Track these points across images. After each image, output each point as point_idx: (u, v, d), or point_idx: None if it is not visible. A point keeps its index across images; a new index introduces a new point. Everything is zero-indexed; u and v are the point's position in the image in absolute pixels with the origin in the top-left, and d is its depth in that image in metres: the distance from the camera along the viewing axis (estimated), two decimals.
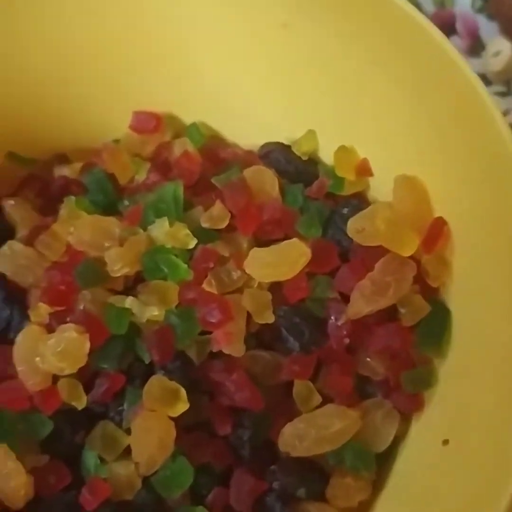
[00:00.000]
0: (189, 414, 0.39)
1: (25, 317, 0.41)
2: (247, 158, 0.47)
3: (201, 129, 0.49)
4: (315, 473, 0.40)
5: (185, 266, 0.40)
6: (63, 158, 0.50)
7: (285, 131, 0.48)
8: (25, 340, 0.39)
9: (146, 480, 0.38)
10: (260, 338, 0.41)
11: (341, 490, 0.39)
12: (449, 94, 0.38)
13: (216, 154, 0.48)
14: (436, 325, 0.39)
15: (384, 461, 0.40)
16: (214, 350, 0.39)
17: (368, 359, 0.40)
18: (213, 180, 0.43)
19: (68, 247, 0.42)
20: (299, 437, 0.39)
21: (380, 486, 0.40)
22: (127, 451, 0.39)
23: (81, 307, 0.40)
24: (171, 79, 0.49)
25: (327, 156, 0.46)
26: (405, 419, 0.41)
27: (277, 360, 0.40)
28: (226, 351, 0.39)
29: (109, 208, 0.45)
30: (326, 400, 0.40)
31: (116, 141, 0.50)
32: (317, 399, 0.40)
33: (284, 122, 0.48)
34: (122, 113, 0.50)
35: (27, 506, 0.38)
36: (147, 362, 0.39)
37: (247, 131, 0.50)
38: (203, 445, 0.40)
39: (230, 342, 0.39)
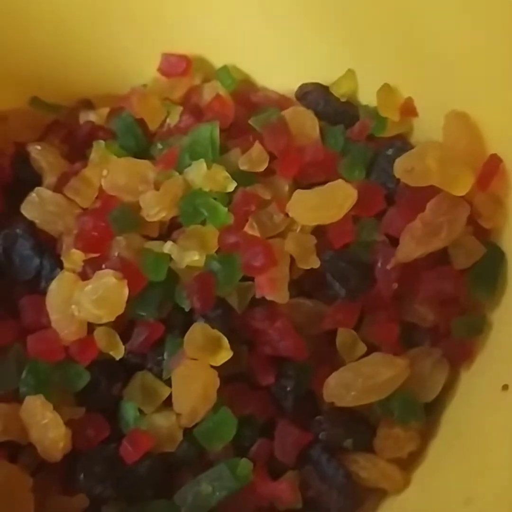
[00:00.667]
0: (229, 364, 0.37)
1: (55, 266, 0.40)
2: (282, 101, 0.45)
3: (232, 72, 0.47)
4: (361, 424, 0.39)
5: (225, 209, 0.38)
6: (88, 104, 0.48)
7: (320, 73, 0.46)
8: (59, 288, 0.37)
9: (187, 432, 0.37)
10: (301, 285, 0.39)
11: (389, 441, 0.38)
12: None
13: (247, 98, 0.47)
14: (490, 268, 0.38)
15: (432, 410, 0.39)
16: (257, 297, 0.37)
17: (417, 305, 0.39)
18: (250, 121, 0.41)
19: (99, 193, 0.40)
20: (345, 387, 0.37)
21: (429, 436, 0.38)
22: (166, 403, 0.37)
23: (116, 253, 0.38)
24: (200, 20, 0.47)
25: (365, 97, 0.45)
26: (454, 367, 0.39)
27: (319, 308, 0.39)
28: (269, 297, 0.37)
29: (139, 154, 0.43)
30: (370, 349, 0.39)
31: (143, 86, 0.48)
32: (362, 347, 0.38)
33: (320, 63, 0.46)
34: (148, 57, 0.48)
35: (65, 460, 0.36)
36: (187, 309, 0.38)
37: (278, 75, 0.48)
38: (245, 396, 0.38)
39: (274, 288, 0.37)
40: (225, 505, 0.36)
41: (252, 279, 0.38)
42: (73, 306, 0.37)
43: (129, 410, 0.37)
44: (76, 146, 0.45)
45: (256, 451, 0.38)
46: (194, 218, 0.39)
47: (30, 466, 0.38)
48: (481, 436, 0.36)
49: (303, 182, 0.41)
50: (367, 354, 0.38)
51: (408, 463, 0.38)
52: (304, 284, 0.40)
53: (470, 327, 0.39)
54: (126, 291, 0.36)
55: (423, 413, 0.38)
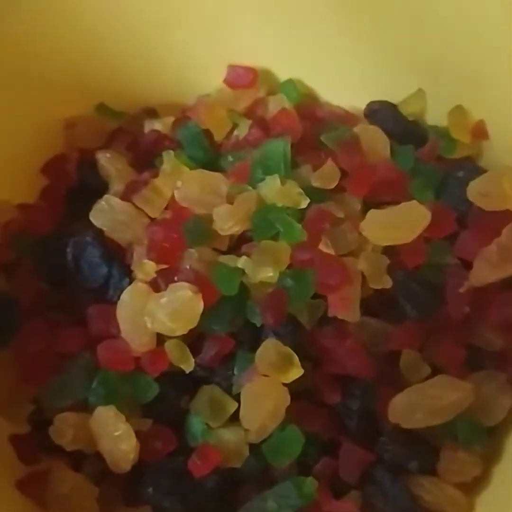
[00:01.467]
0: (296, 382, 0.37)
1: (124, 275, 0.40)
2: (348, 118, 0.45)
3: (297, 85, 0.47)
4: (425, 446, 0.38)
5: (300, 226, 0.38)
6: (152, 112, 0.48)
7: (385, 91, 0.46)
8: (131, 298, 0.37)
9: (252, 447, 0.37)
10: (368, 304, 0.39)
11: (454, 464, 0.38)
12: None
13: (312, 112, 0.46)
14: None
15: (496, 435, 0.39)
16: (330, 315, 0.37)
17: (485, 329, 0.38)
18: (322, 138, 0.41)
19: (169, 203, 0.40)
20: (411, 408, 0.37)
21: (493, 461, 0.38)
22: (232, 418, 0.37)
23: (188, 266, 0.38)
24: (266, 33, 0.47)
25: (432, 117, 0.45)
26: None
27: (386, 328, 0.39)
28: (341, 316, 0.37)
29: (206, 165, 0.43)
30: (434, 371, 0.38)
31: (208, 96, 0.48)
32: (427, 369, 0.38)
33: (385, 81, 0.46)
34: (213, 68, 0.48)
35: (131, 471, 0.36)
36: (258, 325, 0.38)
37: (342, 91, 0.48)
38: (311, 414, 0.38)
39: (347, 307, 0.37)
40: None
41: (321, 296, 0.38)
42: (146, 318, 0.37)
43: (196, 424, 0.37)
44: (141, 155, 0.45)
45: (320, 469, 0.37)
46: (266, 232, 0.38)
47: (94, 475, 0.38)
48: None
49: (372, 201, 0.41)
50: (431, 376, 0.38)
51: (472, 488, 0.38)
52: (371, 303, 0.39)
53: None
54: (201, 305, 0.36)
55: (487, 437, 0.38)
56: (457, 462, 0.38)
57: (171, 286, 0.37)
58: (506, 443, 0.39)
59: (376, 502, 0.37)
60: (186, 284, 0.36)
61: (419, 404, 0.37)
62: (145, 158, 0.44)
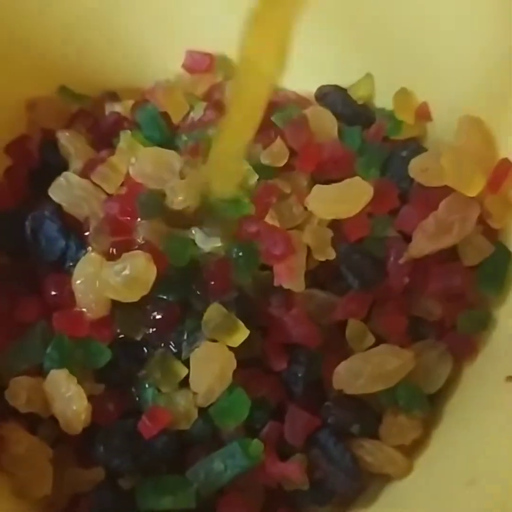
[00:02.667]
0: (244, 349, 0.38)
1: (81, 248, 0.41)
2: (301, 101, 0.47)
3: None
4: (368, 411, 0.40)
5: (247, 200, 0.40)
6: (113, 96, 0.50)
7: (337, 76, 0.48)
8: (85, 267, 0.39)
9: (202, 411, 0.38)
10: (315, 277, 0.41)
11: (394, 428, 0.39)
12: None
13: None
14: (497, 266, 0.40)
15: (436, 402, 0.41)
16: (275, 285, 0.39)
17: (425, 299, 0.40)
18: (273, 118, 0.43)
19: (125, 180, 0.42)
20: (354, 375, 0.39)
21: (433, 426, 0.40)
22: (183, 382, 0.39)
23: (140, 238, 0.40)
24: (223, 19, 0.49)
25: (380, 100, 0.47)
26: (458, 361, 0.41)
27: (331, 299, 0.40)
28: (286, 285, 0.39)
29: (162, 145, 0.44)
30: (378, 340, 0.40)
31: (167, 80, 0.49)
32: (371, 338, 0.40)
33: (337, 67, 0.48)
34: (172, 53, 0.50)
35: (83, 434, 0.38)
36: (203, 293, 0.39)
37: (297, 77, 0.49)
38: (258, 380, 0.39)
39: (292, 277, 0.39)
40: (235, 483, 0.38)
41: (269, 268, 0.40)
42: (98, 285, 0.38)
43: (147, 388, 0.39)
44: (101, 135, 0.46)
45: (267, 432, 0.39)
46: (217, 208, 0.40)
47: (49, 439, 0.39)
48: (483, 426, 0.37)
49: (320, 178, 0.42)
50: (375, 345, 0.40)
51: (412, 450, 0.39)
52: (318, 276, 0.41)
53: (475, 322, 0.40)
54: (154, 272, 0.38)
55: (427, 403, 0.40)
56: (397, 426, 0.40)
57: (125, 254, 0.38)
58: (445, 408, 0.41)
59: (320, 464, 0.39)
60: (140, 252, 0.38)
61: (362, 370, 0.39)
62: (104, 138, 0.46)
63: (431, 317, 0.41)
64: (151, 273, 0.37)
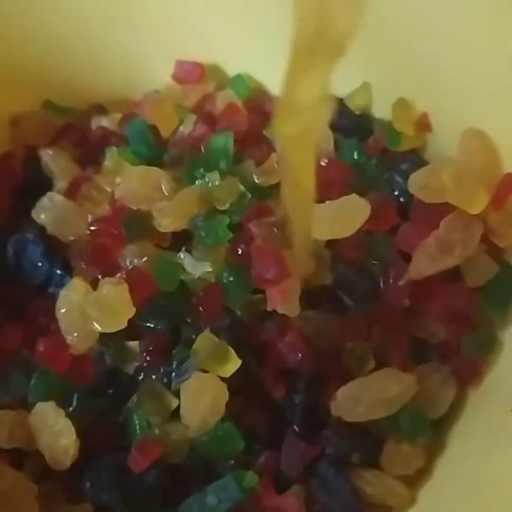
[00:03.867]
0: (237, 376, 0.37)
1: (66, 272, 0.40)
2: None
3: (246, 80, 0.47)
4: (368, 439, 0.38)
5: (226, 229, 0.38)
6: (100, 109, 0.48)
7: (333, 85, 0.46)
8: (69, 295, 0.37)
9: (194, 443, 0.37)
10: (310, 298, 0.39)
11: (396, 457, 0.38)
12: None
13: (261, 107, 0.46)
14: (503, 287, 0.38)
15: (440, 427, 0.39)
16: (269, 309, 0.37)
17: (428, 321, 0.38)
18: (265, 132, 0.41)
19: (111, 200, 0.40)
20: (354, 401, 0.37)
21: (437, 453, 0.38)
22: (174, 414, 0.37)
23: (128, 262, 0.38)
24: (214, 28, 0.47)
25: (379, 110, 0.45)
26: (463, 385, 0.39)
27: (329, 322, 0.39)
28: (280, 310, 0.37)
29: (151, 160, 0.43)
30: (379, 363, 0.38)
31: (156, 91, 0.48)
32: (371, 362, 0.38)
33: (335, 75, 0.46)
34: (162, 63, 0.48)
35: (72, 468, 0.36)
36: (193, 320, 0.38)
37: None
38: (253, 408, 0.38)
39: (286, 301, 0.37)
40: None
41: (262, 292, 0.38)
42: (81, 314, 0.37)
43: (137, 419, 0.37)
44: (88, 151, 0.45)
45: (262, 463, 0.37)
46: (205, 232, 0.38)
47: (35, 474, 0.37)
48: (489, 455, 0.36)
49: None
50: (375, 369, 0.38)
51: (415, 480, 0.38)
52: (313, 297, 0.39)
53: (481, 345, 0.39)
54: (127, 298, 0.36)
55: (431, 430, 0.38)
56: (400, 455, 0.38)
57: (101, 282, 0.37)
58: (449, 436, 0.39)
59: (319, 496, 0.37)
60: (113, 279, 0.36)
61: (362, 397, 0.37)
62: (91, 154, 0.44)
63: (434, 339, 0.39)
64: (126, 301, 0.36)
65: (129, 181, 0.39)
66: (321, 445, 0.38)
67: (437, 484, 0.37)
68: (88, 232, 0.39)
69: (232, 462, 0.37)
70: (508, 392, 0.36)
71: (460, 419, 0.39)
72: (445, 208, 0.38)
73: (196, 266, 0.38)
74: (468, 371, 0.39)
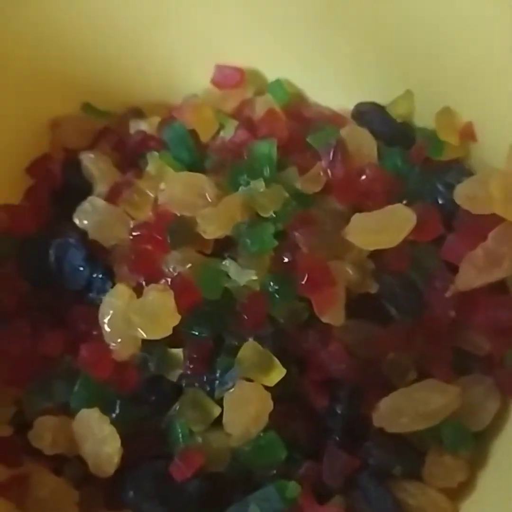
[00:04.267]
0: (280, 385, 0.36)
1: (107, 277, 0.39)
2: (336, 119, 0.45)
3: (285, 86, 0.47)
4: (410, 451, 0.38)
5: (270, 235, 0.38)
6: (138, 112, 0.48)
7: (374, 93, 0.46)
8: (113, 301, 0.37)
9: (235, 452, 0.36)
10: (354, 308, 0.39)
11: (440, 469, 0.37)
12: None
13: (300, 113, 0.46)
14: None
15: (482, 440, 0.38)
16: (318, 316, 0.37)
17: (473, 333, 0.38)
18: (308, 139, 0.41)
19: (154, 206, 0.40)
20: (397, 412, 0.37)
21: (479, 466, 0.38)
22: (215, 422, 0.37)
23: (171, 268, 0.38)
24: (254, 34, 0.47)
25: (421, 119, 0.44)
26: (506, 397, 0.38)
27: (372, 332, 0.38)
28: (325, 319, 0.37)
29: (192, 166, 0.42)
30: (422, 375, 0.38)
31: (195, 96, 0.47)
32: (413, 373, 0.38)
33: (375, 82, 0.45)
34: (201, 68, 0.48)
35: (113, 475, 0.36)
36: (238, 329, 0.37)
37: (331, 92, 0.47)
38: (295, 418, 0.37)
39: (331, 310, 0.37)
40: None
41: (305, 300, 0.38)
42: (125, 320, 0.36)
43: (179, 428, 0.37)
44: (127, 155, 0.44)
45: (304, 473, 0.37)
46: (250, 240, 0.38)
47: (75, 480, 0.37)
48: None
49: (359, 204, 0.40)
50: (418, 380, 0.38)
51: (457, 493, 0.37)
52: (357, 307, 0.39)
53: None
54: (172, 305, 0.36)
55: (473, 442, 0.38)
56: (442, 467, 0.37)
57: (146, 289, 0.36)
58: (492, 448, 0.38)
59: (360, 507, 0.37)
60: (159, 286, 0.36)
61: (405, 408, 0.37)
62: (130, 158, 0.44)
63: (478, 351, 0.38)
64: (172, 309, 0.35)
65: (173, 186, 0.39)
66: (363, 456, 0.37)
67: (480, 497, 0.37)
68: (131, 237, 0.39)
69: (274, 472, 0.37)
70: None
71: (503, 432, 0.38)
72: (492, 220, 0.37)
73: (241, 274, 0.37)
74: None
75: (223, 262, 0.38)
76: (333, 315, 0.37)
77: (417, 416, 0.37)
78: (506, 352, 0.38)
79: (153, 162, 0.41)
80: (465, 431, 0.38)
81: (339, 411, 0.38)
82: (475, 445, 0.38)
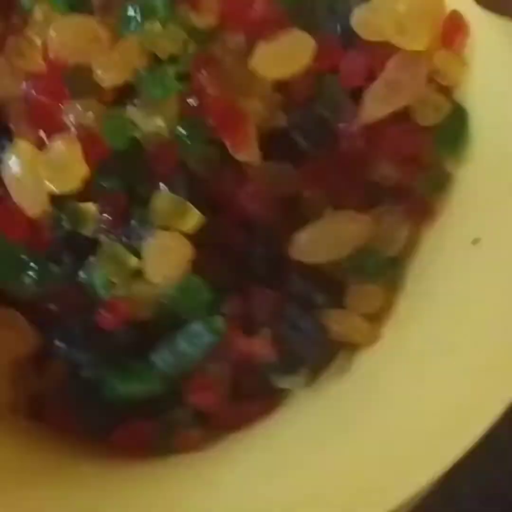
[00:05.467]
0: (198, 231, 0.36)
1: (5, 135, 0.37)
2: None
3: None
4: (331, 281, 0.39)
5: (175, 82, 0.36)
6: None
7: None
8: (15, 158, 0.35)
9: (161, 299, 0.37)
10: (265, 149, 0.38)
11: (359, 296, 0.39)
12: None
13: None
14: (455, 126, 0.38)
15: (399, 267, 0.40)
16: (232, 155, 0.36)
17: (380, 163, 0.39)
18: None
19: (44, 55, 0.37)
20: (313, 242, 0.38)
21: (397, 293, 0.39)
22: (136, 273, 0.36)
23: (72, 120, 0.36)
24: None
25: None
26: (418, 224, 0.40)
27: (286, 170, 0.38)
28: (240, 157, 0.36)
29: (77, 6, 0.38)
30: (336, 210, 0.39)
31: None
32: (329, 209, 0.38)
33: None
34: None
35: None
36: (150, 180, 0.36)
37: None
38: (216, 261, 0.38)
39: (245, 147, 0.36)
40: (203, 365, 0.37)
41: (217, 143, 0.37)
42: (30, 178, 0.35)
43: (99, 278, 0.36)
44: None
45: (229, 309, 0.37)
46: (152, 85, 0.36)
47: None
48: (454, 292, 0.37)
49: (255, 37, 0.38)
50: None
51: (377, 318, 0.39)
52: (269, 148, 0.38)
53: (434, 184, 0.39)
54: (80, 155, 0.34)
55: (390, 268, 0.39)
56: (362, 294, 0.39)
57: (51, 142, 0.35)
58: (409, 275, 0.40)
59: (287, 336, 0.38)
60: (65, 137, 0.35)
61: (320, 238, 0.38)
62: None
63: (388, 181, 0.39)
64: (79, 158, 0.34)
65: (62, 33, 0.36)
66: (287, 290, 0.38)
67: (400, 320, 0.39)
68: (25, 89, 0.36)
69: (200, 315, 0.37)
70: (466, 228, 0.37)
71: (420, 258, 0.40)
72: (388, 51, 0.37)
73: (147, 121, 0.36)
74: (422, 209, 0.39)
75: (127, 109, 0.36)
76: (249, 152, 0.36)
77: (332, 245, 0.38)
78: (416, 181, 0.39)
79: (40, 6, 0.38)
80: (380, 257, 0.39)
81: (259, 250, 0.38)
82: (392, 272, 0.39)
